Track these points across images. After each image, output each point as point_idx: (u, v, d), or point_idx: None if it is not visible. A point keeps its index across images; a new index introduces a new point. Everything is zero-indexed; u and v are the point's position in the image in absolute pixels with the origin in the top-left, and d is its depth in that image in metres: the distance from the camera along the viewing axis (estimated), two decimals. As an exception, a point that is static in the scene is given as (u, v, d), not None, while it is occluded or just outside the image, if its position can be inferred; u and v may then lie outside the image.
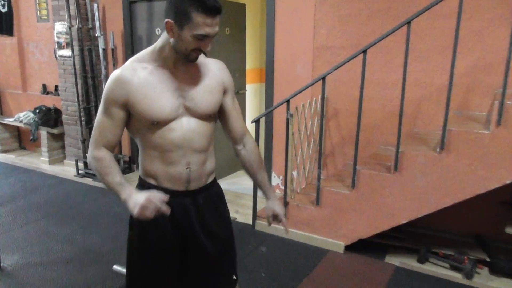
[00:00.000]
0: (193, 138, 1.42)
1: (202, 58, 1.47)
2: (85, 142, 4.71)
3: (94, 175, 4.52)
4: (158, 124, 1.38)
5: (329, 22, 3.38)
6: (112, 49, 4.63)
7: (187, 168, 1.44)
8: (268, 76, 3.80)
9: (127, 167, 4.90)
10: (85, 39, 4.57)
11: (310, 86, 2.79)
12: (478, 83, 2.93)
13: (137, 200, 1.31)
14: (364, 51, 2.57)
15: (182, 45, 1.31)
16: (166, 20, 1.30)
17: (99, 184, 4.43)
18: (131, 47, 4.65)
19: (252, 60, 5.16)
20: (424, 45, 3.06)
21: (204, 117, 1.44)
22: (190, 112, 1.41)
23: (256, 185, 1.68)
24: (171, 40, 1.33)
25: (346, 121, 3.48)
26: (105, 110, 1.40)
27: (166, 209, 1.30)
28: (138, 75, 1.37)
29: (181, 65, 1.40)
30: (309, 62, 3.53)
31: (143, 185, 1.50)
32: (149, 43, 4.48)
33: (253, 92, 5.41)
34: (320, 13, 3.41)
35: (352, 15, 3.28)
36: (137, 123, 1.42)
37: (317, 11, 3.42)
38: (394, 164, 2.60)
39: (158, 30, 4.45)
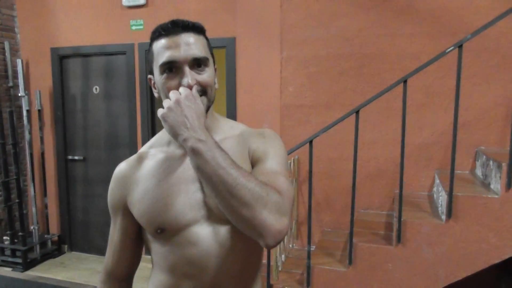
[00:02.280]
0: (222, 255, 0.93)
1: (235, 132, 1.03)
2: (1, 222, 3.86)
3: (14, 263, 3.70)
4: (165, 233, 0.94)
5: (298, 79, 3.16)
6: (39, 110, 3.97)
7: None
8: (229, 138, 3.44)
9: (56, 248, 4.09)
10: (3, 100, 3.87)
11: (296, 150, 2.48)
12: (458, 141, 2.85)
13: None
14: (357, 112, 2.34)
15: (163, 98, 0.94)
16: (148, 78, 1.01)
17: (23, 276, 3.58)
18: (62, 108, 4.02)
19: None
20: (399, 103, 2.95)
21: None
22: (215, 214, 0.93)
23: None
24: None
25: (320, 184, 3.20)
26: (112, 218, 1.06)
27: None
28: (143, 166, 1.00)
29: None
30: (277, 122, 3.25)
31: None
32: (85, 103, 3.94)
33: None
34: (287, 71, 3.19)
35: (322, 72, 3.10)
36: (145, 232, 1.02)
37: (283, 69, 3.20)
38: (397, 235, 2.33)
39: (96, 88, 3.91)
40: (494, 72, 2.73)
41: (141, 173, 0.98)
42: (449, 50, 2.17)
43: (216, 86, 0.99)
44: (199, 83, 0.91)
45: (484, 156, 2.53)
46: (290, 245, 3.24)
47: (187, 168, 0.96)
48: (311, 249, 2.90)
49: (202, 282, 0.93)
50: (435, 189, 2.80)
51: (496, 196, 2.14)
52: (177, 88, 0.89)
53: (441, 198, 2.41)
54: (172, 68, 0.91)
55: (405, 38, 2.89)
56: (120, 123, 3.89)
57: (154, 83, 0.98)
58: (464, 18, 2.77)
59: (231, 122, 1.09)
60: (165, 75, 0.91)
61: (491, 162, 2.36)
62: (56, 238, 4.13)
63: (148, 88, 3.71)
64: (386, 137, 3.01)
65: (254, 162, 0.98)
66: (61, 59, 3.99)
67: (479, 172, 2.68)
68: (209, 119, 0.99)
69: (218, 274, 0.93)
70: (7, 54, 3.85)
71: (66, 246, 4.16)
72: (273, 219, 0.80)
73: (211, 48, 0.99)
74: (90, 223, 4.12)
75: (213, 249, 0.93)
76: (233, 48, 3.35)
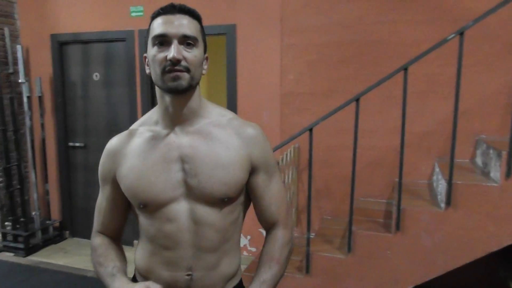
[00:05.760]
0: (197, 232, 1.02)
1: (223, 119, 1.08)
2: (3, 208, 3.88)
3: (16, 248, 3.76)
4: (147, 207, 1.03)
5: (297, 67, 3.15)
6: (40, 97, 3.96)
7: (187, 275, 1.04)
8: (230, 126, 3.43)
9: (58, 234, 4.12)
10: (4, 86, 3.85)
11: (296, 137, 2.48)
12: (458, 130, 2.85)
13: None
14: (357, 100, 2.33)
15: (153, 71, 0.99)
16: (143, 56, 1.06)
17: (25, 261, 3.62)
18: (63, 94, 4.01)
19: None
20: (399, 91, 2.93)
21: (214, 202, 1.02)
22: (194, 193, 1.01)
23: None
24: (152, 78, 1.01)
25: (320, 173, 3.21)
26: (100, 187, 1.15)
27: None
28: (132, 143, 1.07)
29: (188, 125, 1.04)
30: (277, 109, 3.24)
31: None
32: (85, 90, 3.93)
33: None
34: (287, 58, 3.17)
35: (322, 60, 3.08)
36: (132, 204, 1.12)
37: (283, 56, 3.18)
38: (396, 223, 2.34)
39: (96, 75, 3.90)
40: (495, 60, 2.72)
41: (130, 149, 1.05)
42: (450, 37, 2.15)
43: (204, 71, 1.04)
44: (185, 59, 0.95)
45: (485, 145, 2.53)
46: (290, 233, 3.26)
47: (171, 148, 1.02)
48: (311, 236, 2.92)
49: (178, 254, 1.03)
50: (434, 177, 2.80)
51: (496, 185, 2.14)
52: (164, 61, 0.94)
53: (441, 186, 2.41)
54: (163, 42, 0.95)
55: (406, 26, 2.86)
56: (121, 110, 3.88)
57: (147, 60, 1.02)
58: (466, 5, 2.74)
59: (219, 108, 1.12)
60: (155, 47, 0.96)
61: (491, 151, 2.36)
62: (57, 224, 4.16)
63: (149, 75, 3.69)
64: (386, 125, 3.01)
65: (254, 169, 1.07)
66: (61, 46, 3.96)
67: (479, 160, 2.68)
68: (195, 102, 1.04)
69: (192, 248, 1.02)
70: (7, 40, 3.83)
71: (67, 232, 4.19)
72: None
73: (204, 35, 1.03)
74: (91, 210, 4.10)
75: (188, 225, 1.02)
76: (234, 35, 3.32)
